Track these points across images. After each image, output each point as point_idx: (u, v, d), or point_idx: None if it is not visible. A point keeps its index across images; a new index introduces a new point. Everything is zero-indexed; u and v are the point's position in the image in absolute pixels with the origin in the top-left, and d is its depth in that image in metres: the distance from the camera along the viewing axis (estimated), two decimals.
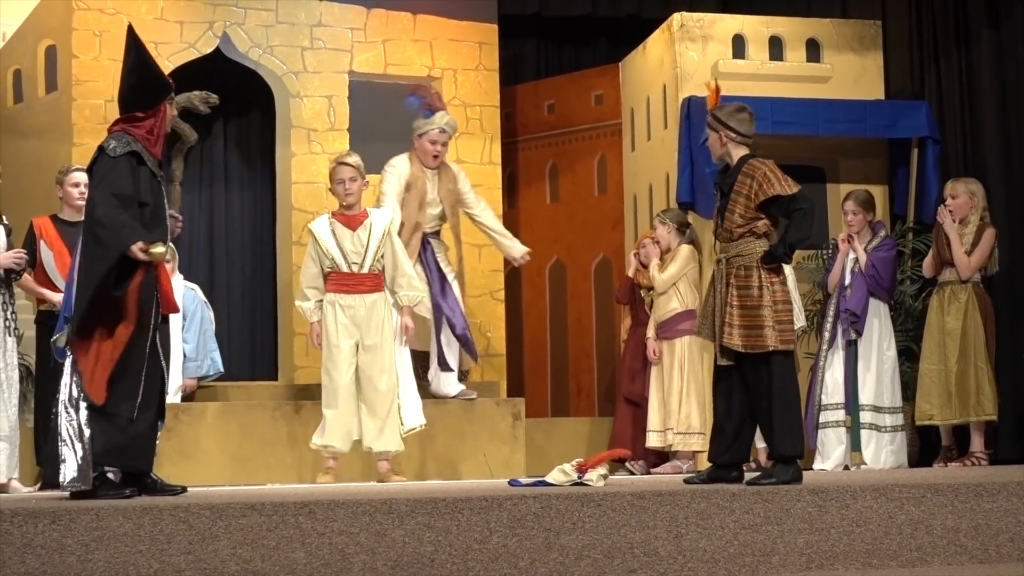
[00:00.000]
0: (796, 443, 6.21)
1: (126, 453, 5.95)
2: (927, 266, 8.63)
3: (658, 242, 9.15)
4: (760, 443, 8.83)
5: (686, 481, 6.39)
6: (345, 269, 8.16)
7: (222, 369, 9.30)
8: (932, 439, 8.82)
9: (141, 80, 6.18)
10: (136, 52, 6.21)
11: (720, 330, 6.27)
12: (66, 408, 5.82)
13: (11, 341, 7.64)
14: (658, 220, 9.27)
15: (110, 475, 5.94)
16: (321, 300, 8.20)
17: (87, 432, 5.81)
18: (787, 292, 6.30)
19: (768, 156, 8.92)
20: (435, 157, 9.02)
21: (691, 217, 9.36)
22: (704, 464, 9.02)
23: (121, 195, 5.94)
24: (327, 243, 8.19)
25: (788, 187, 6.22)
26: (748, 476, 6.38)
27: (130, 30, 6.32)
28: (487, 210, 9.38)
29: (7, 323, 7.59)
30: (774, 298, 6.20)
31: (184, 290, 9.11)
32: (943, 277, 8.45)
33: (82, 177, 7.67)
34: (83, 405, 5.83)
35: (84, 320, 5.84)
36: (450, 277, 9.05)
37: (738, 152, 6.42)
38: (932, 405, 8.43)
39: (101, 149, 6.03)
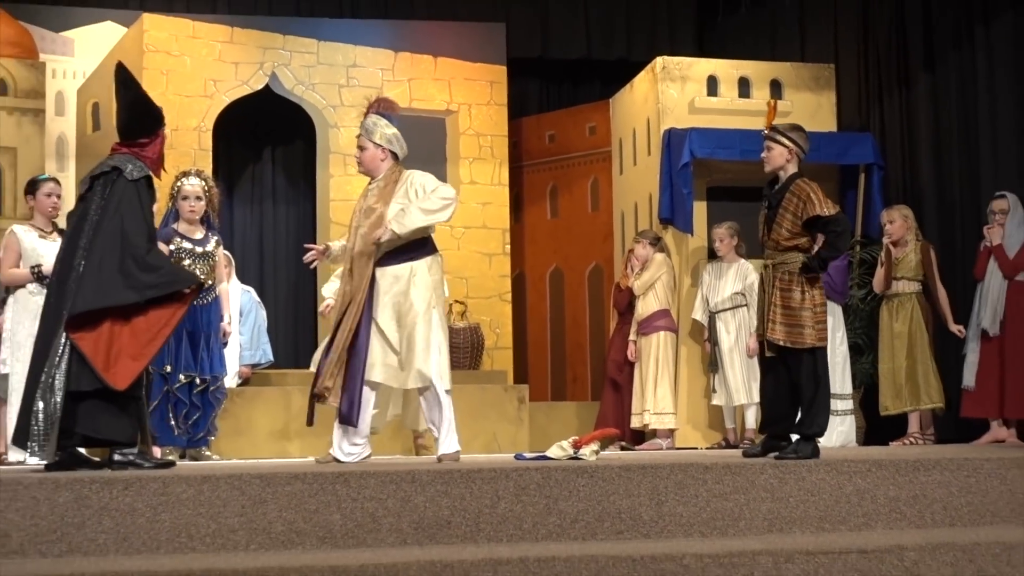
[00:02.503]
0: (822, 424, 6.16)
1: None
2: (878, 283, 8.48)
3: (637, 258, 9.10)
4: (729, 423, 8.88)
5: (745, 454, 6.27)
6: None
7: (272, 359, 9.31)
8: (879, 423, 8.80)
9: (143, 111, 5.97)
10: (134, 87, 6.01)
11: (765, 326, 6.22)
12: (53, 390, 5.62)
13: None
14: (635, 241, 9.24)
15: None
16: None
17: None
18: (824, 297, 6.20)
19: (737, 179, 9.10)
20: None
21: (670, 231, 9.36)
22: (681, 440, 9.05)
23: (149, 226, 5.81)
24: None
25: (828, 209, 6.10)
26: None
27: (122, 67, 6.09)
28: None
29: None
30: (813, 302, 6.12)
31: (241, 292, 9.11)
32: (891, 290, 8.42)
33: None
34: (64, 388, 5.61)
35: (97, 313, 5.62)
36: None
37: (792, 168, 6.27)
38: (887, 398, 8.44)
39: (117, 170, 5.79)
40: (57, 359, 5.60)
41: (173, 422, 7.30)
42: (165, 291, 5.71)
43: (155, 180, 6.01)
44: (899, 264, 8.36)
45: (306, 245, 6.91)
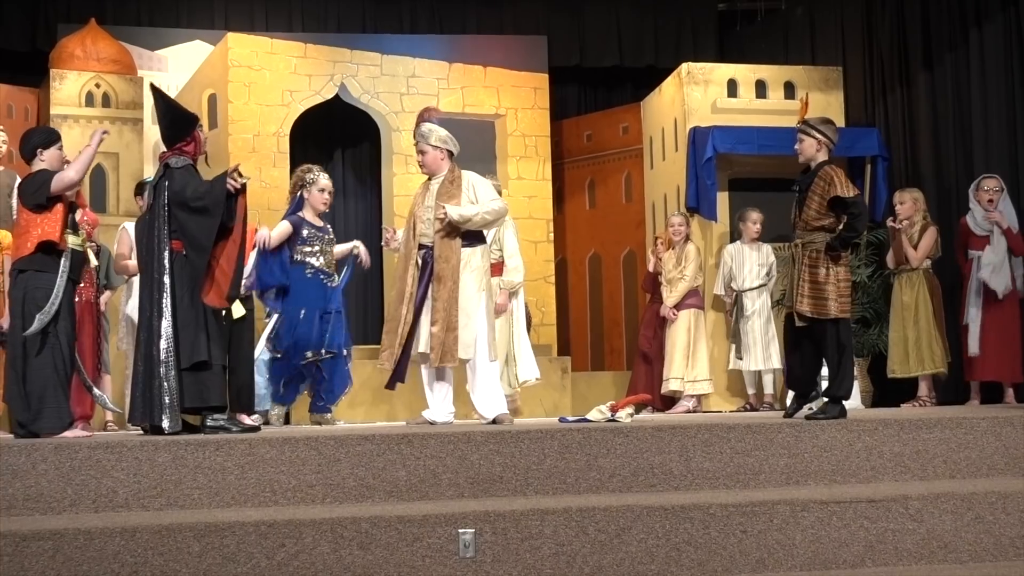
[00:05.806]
0: (848, 387, 6.06)
1: None
2: (889, 259, 8.47)
3: (676, 231, 8.97)
4: (751, 389, 8.81)
5: (786, 415, 6.17)
6: None
7: None
8: (887, 388, 8.70)
9: (174, 120, 6.01)
10: (163, 101, 6.10)
11: (795, 300, 6.12)
12: None
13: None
14: (673, 216, 9.13)
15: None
16: None
17: None
18: (847, 273, 6.08)
19: (756, 171, 9.02)
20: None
21: (696, 219, 9.29)
22: (709, 404, 9.00)
23: (197, 185, 5.85)
24: None
25: (848, 191, 6.01)
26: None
27: (154, 87, 6.23)
28: None
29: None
30: (837, 278, 6.02)
31: None
32: (902, 267, 8.34)
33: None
34: None
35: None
36: None
37: (822, 156, 6.16)
38: (895, 362, 8.32)
39: (167, 166, 5.87)
40: (160, 338, 5.66)
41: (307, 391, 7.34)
42: (223, 194, 5.74)
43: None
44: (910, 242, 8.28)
45: (385, 227, 7.46)
